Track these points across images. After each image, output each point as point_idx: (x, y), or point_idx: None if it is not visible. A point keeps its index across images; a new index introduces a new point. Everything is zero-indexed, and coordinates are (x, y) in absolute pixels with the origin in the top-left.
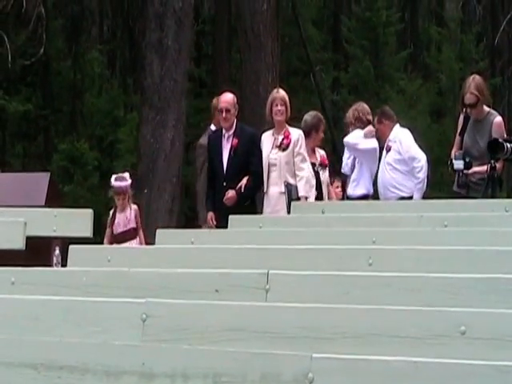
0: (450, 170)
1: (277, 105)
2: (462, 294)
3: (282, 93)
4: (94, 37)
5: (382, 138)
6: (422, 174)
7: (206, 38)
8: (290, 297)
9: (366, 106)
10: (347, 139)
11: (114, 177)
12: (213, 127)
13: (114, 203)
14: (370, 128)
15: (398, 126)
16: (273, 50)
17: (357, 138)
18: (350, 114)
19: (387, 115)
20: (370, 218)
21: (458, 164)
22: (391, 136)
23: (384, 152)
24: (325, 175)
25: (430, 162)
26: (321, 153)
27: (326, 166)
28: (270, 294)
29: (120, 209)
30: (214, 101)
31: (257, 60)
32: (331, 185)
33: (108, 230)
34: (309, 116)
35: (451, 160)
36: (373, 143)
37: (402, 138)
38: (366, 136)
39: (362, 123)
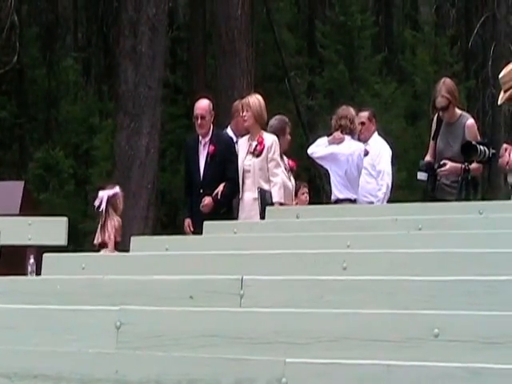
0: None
1: (243, 111)
2: (436, 297)
3: (245, 100)
4: (68, 44)
5: (363, 136)
6: (382, 194)
7: (181, 44)
8: (265, 302)
9: (349, 111)
10: (309, 150)
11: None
12: (229, 131)
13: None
14: (335, 134)
15: (376, 134)
16: (248, 55)
17: (315, 147)
18: (333, 121)
19: (375, 118)
20: (344, 222)
21: (422, 176)
22: (371, 141)
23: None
24: (292, 181)
25: (404, 168)
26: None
27: (291, 171)
28: (245, 300)
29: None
30: (236, 103)
31: (232, 65)
32: (297, 191)
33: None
34: (274, 120)
35: (419, 165)
36: (333, 149)
37: (381, 150)
38: (329, 142)
39: (346, 129)
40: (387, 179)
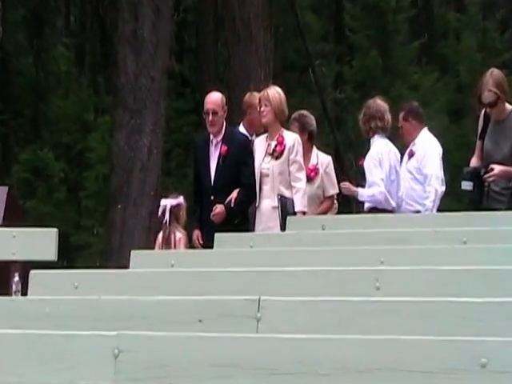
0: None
1: (260, 106)
2: (483, 321)
3: (264, 93)
4: (59, 29)
5: (405, 139)
6: (430, 203)
7: (189, 29)
8: (285, 327)
9: (378, 104)
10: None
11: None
12: (242, 128)
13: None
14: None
15: (426, 130)
16: (265, 42)
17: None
18: (360, 118)
19: (415, 113)
20: (377, 235)
21: (466, 185)
22: (418, 140)
23: (406, 157)
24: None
25: (446, 171)
26: (313, 162)
27: (312, 179)
28: (262, 324)
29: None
30: (247, 97)
31: (247, 54)
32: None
33: None
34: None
35: (462, 173)
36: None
37: (428, 149)
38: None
39: (375, 131)
40: (436, 184)
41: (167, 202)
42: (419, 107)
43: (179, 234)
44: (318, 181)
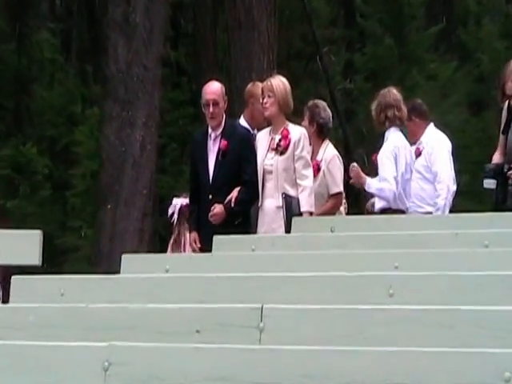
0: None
1: (263, 97)
2: (506, 332)
3: (267, 82)
4: (43, 13)
5: (411, 139)
6: (441, 201)
7: (185, 12)
8: (290, 337)
9: (394, 93)
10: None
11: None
12: (243, 121)
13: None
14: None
15: (432, 126)
16: (269, 27)
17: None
18: (373, 108)
19: (418, 111)
20: (391, 237)
21: (489, 184)
22: (424, 138)
23: (412, 156)
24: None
25: (461, 171)
26: (318, 158)
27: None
28: (265, 335)
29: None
30: (249, 87)
31: (249, 40)
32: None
33: None
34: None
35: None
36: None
37: (435, 146)
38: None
39: (392, 121)
40: (447, 181)
41: (178, 202)
42: (422, 104)
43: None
44: (319, 178)
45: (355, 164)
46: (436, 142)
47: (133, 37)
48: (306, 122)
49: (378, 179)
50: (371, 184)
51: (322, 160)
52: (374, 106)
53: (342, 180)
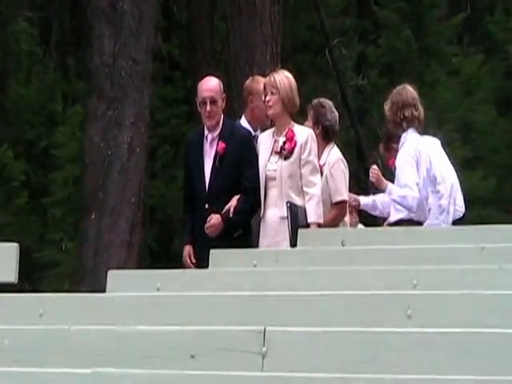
0: None
1: (266, 94)
2: None
3: (270, 78)
4: (20, 0)
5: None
6: (445, 200)
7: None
8: (296, 364)
9: (410, 91)
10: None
11: None
12: (244, 122)
13: None
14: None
15: (413, 136)
16: (272, 16)
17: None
18: (387, 108)
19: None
20: (409, 252)
21: None
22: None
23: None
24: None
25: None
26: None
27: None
28: (268, 360)
29: None
30: (249, 82)
31: (250, 30)
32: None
33: None
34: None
35: None
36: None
37: (429, 153)
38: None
39: (410, 122)
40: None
41: None
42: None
43: None
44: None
45: (376, 167)
46: (428, 150)
47: (120, 26)
48: (309, 123)
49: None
50: (392, 190)
51: (324, 164)
52: (387, 106)
53: (346, 186)
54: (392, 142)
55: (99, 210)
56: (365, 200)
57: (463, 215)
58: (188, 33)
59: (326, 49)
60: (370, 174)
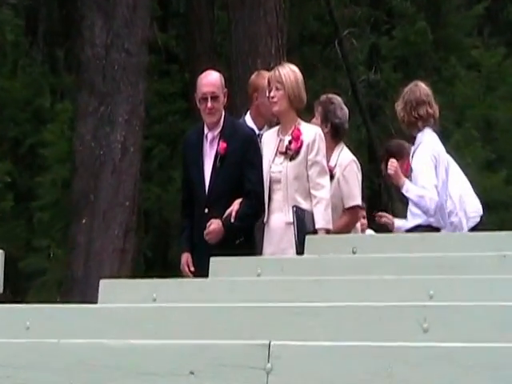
0: None
1: (270, 90)
2: None
3: (275, 72)
4: None
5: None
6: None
7: None
8: (303, 381)
9: (423, 88)
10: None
11: None
12: (248, 119)
13: None
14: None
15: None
16: (277, 4)
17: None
18: (400, 108)
19: (396, 152)
20: (425, 260)
21: None
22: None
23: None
24: None
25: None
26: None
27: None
28: (273, 377)
29: None
30: (253, 77)
31: (253, 20)
32: None
33: None
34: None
35: None
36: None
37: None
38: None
39: (426, 120)
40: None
41: None
42: (400, 144)
43: None
44: (332, 188)
45: (395, 160)
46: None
47: (113, 16)
48: (317, 121)
49: None
50: (410, 188)
51: (335, 165)
52: (400, 106)
53: (360, 190)
54: (395, 158)
55: (90, 215)
56: (399, 223)
57: (481, 218)
58: (186, 22)
59: (335, 40)
60: (388, 166)
